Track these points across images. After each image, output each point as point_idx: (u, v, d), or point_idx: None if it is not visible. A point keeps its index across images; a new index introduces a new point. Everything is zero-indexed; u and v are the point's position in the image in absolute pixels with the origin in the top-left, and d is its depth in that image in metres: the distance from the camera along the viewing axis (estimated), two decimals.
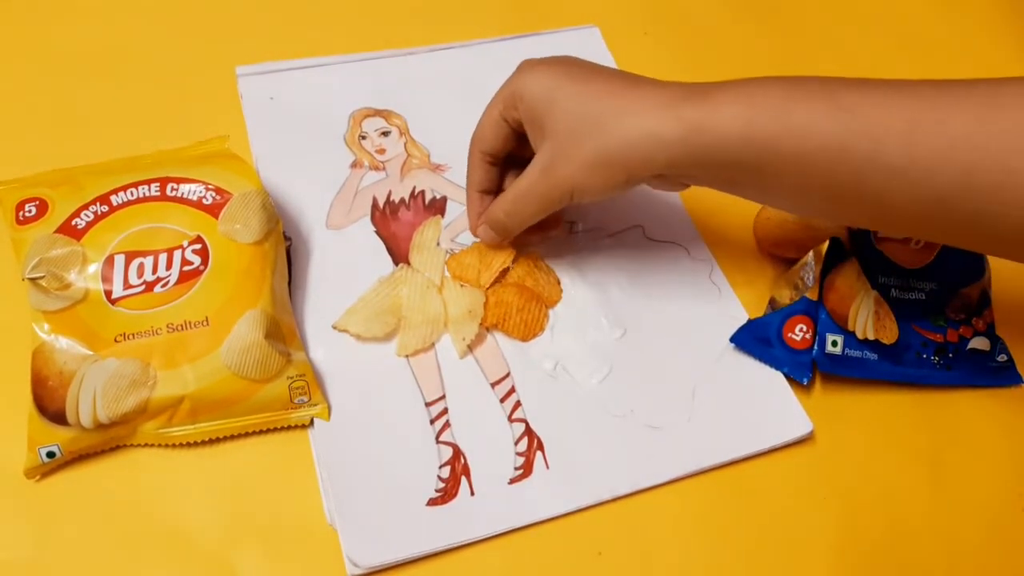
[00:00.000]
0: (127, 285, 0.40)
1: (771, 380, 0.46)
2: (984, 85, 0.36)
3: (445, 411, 0.43)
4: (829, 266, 0.47)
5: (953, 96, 0.36)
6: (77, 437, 0.39)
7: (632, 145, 0.39)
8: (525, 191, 0.43)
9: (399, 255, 0.48)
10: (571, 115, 0.40)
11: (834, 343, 0.46)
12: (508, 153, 0.46)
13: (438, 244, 0.48)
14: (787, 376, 0.46)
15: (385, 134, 0.53)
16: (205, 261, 0.41)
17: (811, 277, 0.47)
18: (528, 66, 0.43)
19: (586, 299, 0.48)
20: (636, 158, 0.39)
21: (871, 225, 0.44)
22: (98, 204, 0.42)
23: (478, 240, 0.48)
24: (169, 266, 0.41)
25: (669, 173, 0.40)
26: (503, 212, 0.45)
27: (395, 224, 0.49)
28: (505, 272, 0.47)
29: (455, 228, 0.50)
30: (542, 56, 0.44)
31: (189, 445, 0.41)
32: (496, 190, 0.47)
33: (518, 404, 0.44)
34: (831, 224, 0.48)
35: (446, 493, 0.41)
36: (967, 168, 0.35)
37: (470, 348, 0.45)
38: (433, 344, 0.45)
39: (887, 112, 0.36)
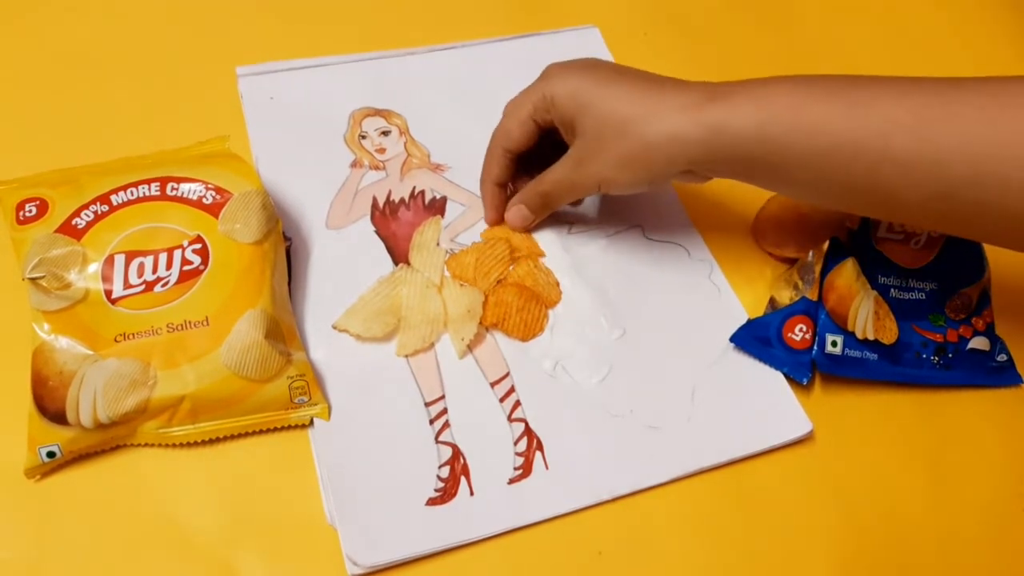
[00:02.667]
0: (127, 285, 0.40)
1: (771, 380, 0.46)
2: (993, 83, 0.37)
3: (445, 411, 0.43)
4: (829, 266, 0.47)
5: (962, 92, 0.37)
6: (77, 437, 0.39)
7: (655, 147, 0.41)
8: (560, 179, 0.46)
9: (399, 255, 0.48)
10: (598, 119, 0.43)
11: (834, 343, 0.46)
12: (525, 154, 0.48)
13: (438, 244, 0.48)
14: (787, 376, 0.46)
15: (385, 134, 0.53)
16: (205, 261, 0.41)
17: (811, 277, 0.47)
18: (557, 71, 0.45)
19: (585, 299, 0.48)
20: (659, 158, 0.42)
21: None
22: (98, 204, 0.42)
23: (478, 241, 0.49)
24: (169, 266, 0.41)
25: (692, 169, 0.42)
26: (539, 195, 0.47)
27: (395, 224, 0.49)
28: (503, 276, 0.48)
29: (455, 228, 0.50)
30: (556, 59, 0.46)
31: (189, 445, 0.41)
32: (508, 183, 0.49)
33: (517, 404, 0.44)
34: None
35: (446, 493, 0.41)
36: (975, 161, 0.36)
37: (469, 348, 0.45)
38: (433, 344, 0.45)
39: (897, 108, 0.38)
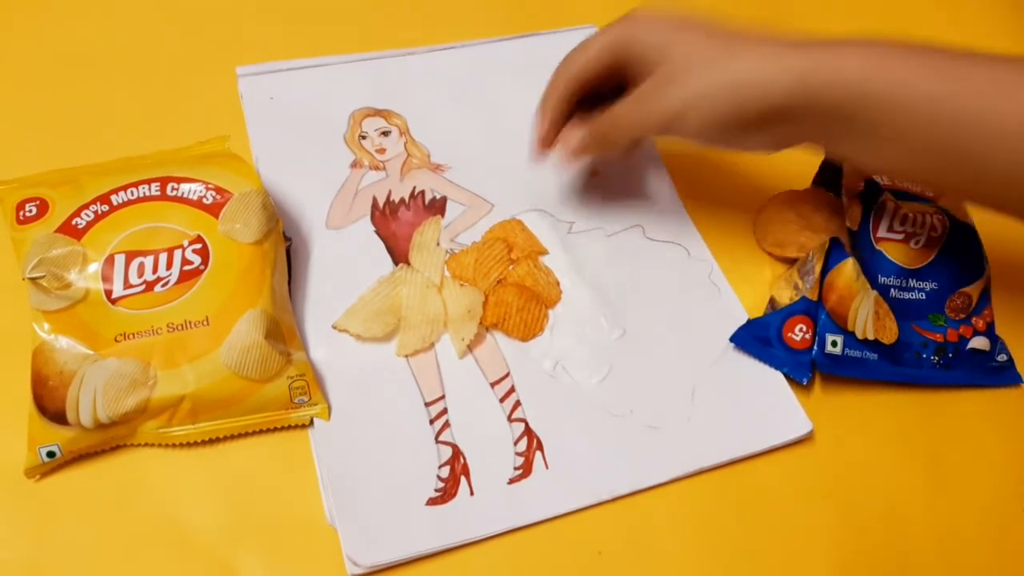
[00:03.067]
0: (127, 285, 0.40)
1: (771, 380, 0.46)
2: None
3: (445, 411, 0.43)
4: (829, 266, 0.47)
5: None
6: (77, 437, 0.39)
7: (746, 80, 0.39)
8: (628, 111, 0.43)
9: (399, 255, 0.48)
10: (682, 51, 0.41)
11: (834, 343, 0.46)
12: (588, 90, 0.46)
13: (438, 244, 0.48)
14: (787, 376, 0.46)
15: (385, 134, 0.53)
16: (205, 261, 0.41)
17: (811, 277, 0.47)
18: (642, 11, 0.43)
19: (585, 299, 0.48)
20: (748, 94, 0.39)
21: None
22: (98, 204, 0.42)
23: (478, 241, 0.48)
24: (169, 266, 0.41)
25: (775, 118, 0.40)
26: (601, 127, 0.45)
27: (395, 224, 0.49)
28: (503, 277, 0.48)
29: (455, 228, 0.50)
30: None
31: (189, 445, 0.41)
32: (566, 113, 0.47)
33: (518, 404, 0.44)
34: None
35: (446, 493, 0.41)
36: None
37: (469, 348, 0.45)
38: (433, 344, 0.45)
39: (1004, 79, 0.37)
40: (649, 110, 0.42)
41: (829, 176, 0.52)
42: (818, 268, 0.47)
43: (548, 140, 0.47)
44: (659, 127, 0.43)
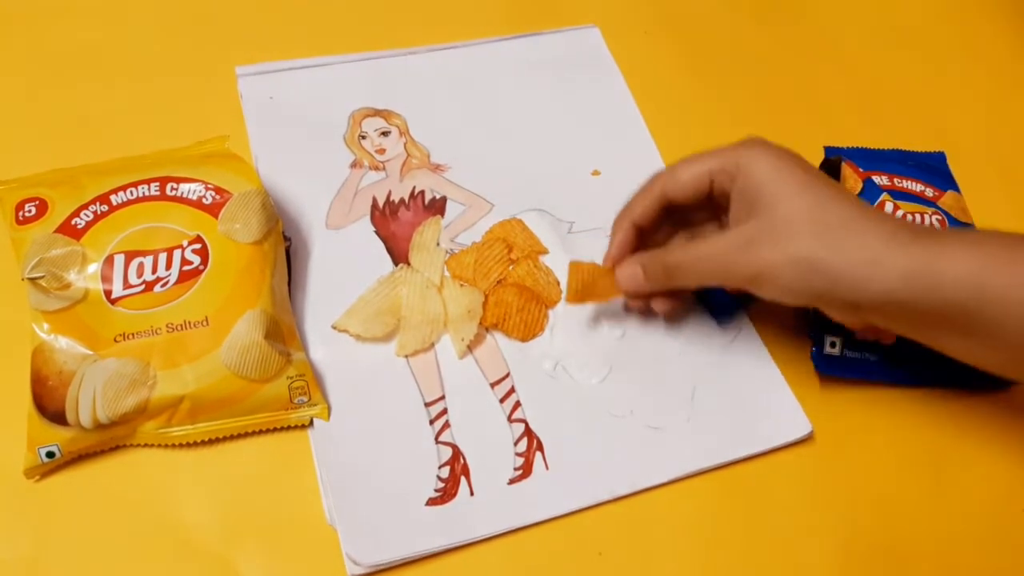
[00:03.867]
0: (127, 285, 0.40)
1: (771, 380, 0.46)
2: None
3: (445, 411, 0.43)
4: None
5: None
6: (77, 437, 0.39)
7: (850, 264, 0.37)
8: (712, 255, 0.41)
9: (399, 255, 0.48)
10: (794, 206, 0.38)
11: (833, 344, 0.46)
12: (677, 208, 0.44)
13: (438, 244, 0.48)
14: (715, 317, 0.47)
15: (385, 134, 0.53)
16: (205, 261, 0.41)
17: None
18: (761, 144, 0.40)
19: None
20: (848, 278, 0.37)
21: None
22: (98, 204, 0.42)
23: (478, 241, 0.48)
24: (169, 266, 0.41)
25: (870, 307, 0.38)
26: (668, 265, 0.42)
27: (395, 224, 0.49)
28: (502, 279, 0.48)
29: (455, 228, 0.50)
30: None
31: (189, 445, 0.41)
32: (647, 233, 0.45)
33: (518, 404, 0.44)
34: None
35: (445, 493, 0.41)
36: None
37: (469, 348, 0.45)
38: (432, 344, 0.45)
39: None
40: (742, 259, 0.39)
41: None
42: None
43: (619, 258, 0.45)
44: (741, 281, 0.40)
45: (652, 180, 0.44)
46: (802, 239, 0.37)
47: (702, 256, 0.41)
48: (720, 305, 0.46)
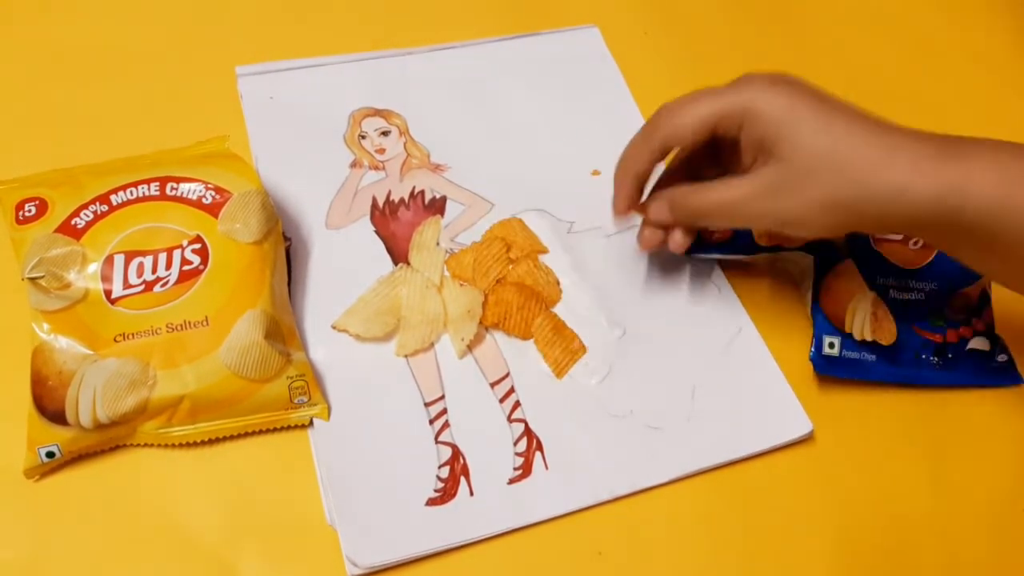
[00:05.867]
0: (127, 285, 0.40)
1: (771, 380, 0.46)
2: None
3: (444, 411, 0.43)
4: (823, 272, 0.47)
5: None
6: (77, 437, 0.39)
7: (876, 197, 0.37)
8: (736, 200, 0.40)
9: (399, 255, 0.48)
10: (811, 149, 0.38)
11: (831, 345, 0.46)
12: (684, 154, 0.44)
13: (438, 244, 0.48)
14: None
15: (385, 134, 0.53)
16: (205, 261, 0.41)
17: (808, 283, 0.47)
18: (759, 83, 0.40)
19: (585, 299, 0.48)
20: (875, 211, 0.38)
21: None
22: (98, 204, 0.42)
23: (478, 241, 0.48)
24: (169, 266, 0.41)
25: (895, 229, 0.39)
26: (694, 208, 0.43)
27: (395, 224, 0.49)
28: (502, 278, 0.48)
29: (455, 228, 0.50)
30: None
31: (189, 445, 0.41)
32: (646, 180, 0.45)
33: (517, 404, 0.44)
34: None
35: (445, 493, 0.41)
36: None
37: (469, 348, 0.45)
38: (432, 344, 0.45)
39: None
40: (767, 206, 0.39)
41: None
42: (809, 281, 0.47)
43: (626, 210, 0.45)
44: (769, 225, 0.41)
45: (651, 129, 0.42)
46: (827, 182, 0.38)
47: (725, 202, 0.41)
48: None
